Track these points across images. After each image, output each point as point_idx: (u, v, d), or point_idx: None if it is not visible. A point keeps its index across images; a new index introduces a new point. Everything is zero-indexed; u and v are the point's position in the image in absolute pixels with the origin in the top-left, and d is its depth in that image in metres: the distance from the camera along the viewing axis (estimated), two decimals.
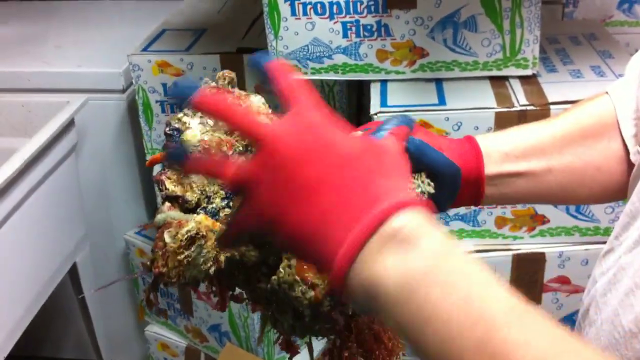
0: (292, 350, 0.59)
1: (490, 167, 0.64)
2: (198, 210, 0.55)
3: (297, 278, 0.51)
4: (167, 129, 0.57)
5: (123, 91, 1.59)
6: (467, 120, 1.13)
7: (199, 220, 0.52)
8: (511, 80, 1.19)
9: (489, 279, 0.44)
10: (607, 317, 0.58)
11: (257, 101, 0.58)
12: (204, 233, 0.51)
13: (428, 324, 0.42)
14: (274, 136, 0.46)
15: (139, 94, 1.44)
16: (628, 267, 0.56)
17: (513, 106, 1.12)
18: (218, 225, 0.52)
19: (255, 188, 0.47)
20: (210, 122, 0.56)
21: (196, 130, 0.55)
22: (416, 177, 0.60)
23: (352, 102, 1.52)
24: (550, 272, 1.20)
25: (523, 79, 1.19)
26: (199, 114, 0.57)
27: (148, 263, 0.53)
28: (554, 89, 1.15)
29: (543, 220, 1.19)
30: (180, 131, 0.56)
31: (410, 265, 0.43)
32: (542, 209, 1.18)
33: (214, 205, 0.55)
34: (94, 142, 1.63)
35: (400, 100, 1.16)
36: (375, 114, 1.13)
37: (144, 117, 1.46)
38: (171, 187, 0.55)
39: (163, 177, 0.56)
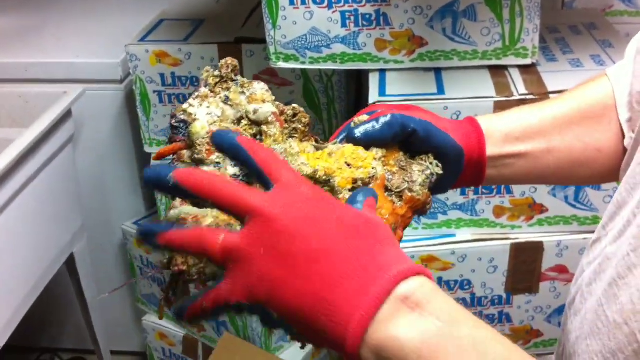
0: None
1: (492, 149, 0.65)
2: (209, 202, 0.54)
3: None
4: (173, 121, 0.56)
5: (121, 82, 1.58)
6: (466, 110, 1.12)
7: (216, 215, 0.50)
8: (510, 70, 1.19)
9: (497, 344, 0.44)
10: (592, 307, 0.58)
11: (260, 88, 0.57)
12: (222, 227, 0.50)
13: None
14: (265, 208, 0.46)
15: (136, 84, 1.43)
16: (612, 257, 0.57)
17: (512, 95, 1.12)
18: (234, 220, 0.51)
19: (245, 261, 0.46)
20: (218, 111, 0.55)
21: (204, 121, 0.54)
22: (424, 158, 0.60)
23: (350, 92, 1.52)
24: (548, 261, 1.21)
25: (522, 68, 1.18)
26: (206, 103, 0.56)
27: (164, 261, 0.52)
28: (554, 78, 1.15)
29: (541, 209, 1.19)
30: (186, 123, 0.55)
31: (424, 330, 0.43)
32: (540, 198, 1.18)
33: None
34: (91, 132, 1.63)
35: (399, 90, 1.16)
36: (374, 103, 1.13)
37: (141, 107, 1.45)
38: None
39: None
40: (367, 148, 0.58)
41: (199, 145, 0.53)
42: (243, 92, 0.57)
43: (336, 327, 0.44)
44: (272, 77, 1.39)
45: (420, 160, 0.60)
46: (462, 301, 1.25)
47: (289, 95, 1.41)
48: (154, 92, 1.43)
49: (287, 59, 1.20)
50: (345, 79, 1.43)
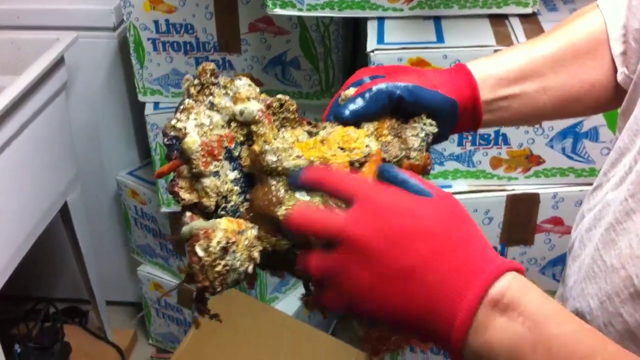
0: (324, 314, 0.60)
1: (485, 94, 0.64)
2: (219, 211, 0.55)
3: None
4: (166, 139, 0.56)
5: (114, 29, 1.56)
6: (465, 58, 1.09)
7: (225, 228, 0.51)
8: (511, 19, 1.17)
9: (585, 339, 0.46)
10: (590, 252, 0.58)
11: (242, 85, 0.57)
12: (233, 239, 0.51)
13: None
14: (354, 231, 0.47)
15: (130, 31, 1.41)
16: (612, 204, 0.56)
17: (512, 44, 1.10)
18: (243, 224, 0.52)
19: (341, 279, 0.48)
20: (206, 120, 0.55)
21: (194, 134, 0.54)
22: (417, 120, 0.60)
23: (348, 41, 1.50)
24: (544, 213, 1.21)
25: (523, 17, 1.17)
26: (192, 115, 0.56)
27: (185, 276, 0.53)
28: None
29: (538, 161, 1.18)
30: (179, 139, 0.55)
31: (513, 334, 0.45)
32: (537, 149, 1.17)
33: (232, 203, 0.55)
34: (84, 80, 1.61)
35: (398, 38, 1.14)
36: (372, 51, 1.11)
37: (135, 55, 1.43)
38: (186, 196, 0.55)
39: (176, 189, 0.55)
40: (357, 124, 0.58)
41: (195, 159, 0.54)
42: (227, 94, 0.57)
43: (439, 335, 0.47)
44: (268, 26, 1.36)
45: (413, 123, 0.60)
46: None
47: (285, 44, 1.39)
48: (148, 39, 1.40)
49: (283, 5, 1.18)
50: (343, 28, 1.41)
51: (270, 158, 0.53)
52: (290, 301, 1.65)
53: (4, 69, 1.48)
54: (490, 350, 0.45)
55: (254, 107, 0.55)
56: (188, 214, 0.54)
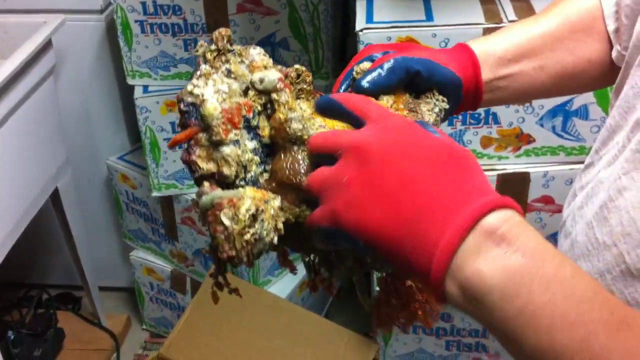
0: (331, 289, 0.59)
1: (486, 73, 0.64)
2: (237, 182, 0.53)
3: None
4: (182, 105, 0.53)
5: (101, 11, 1.54)
6: (454, 37, 1.10)
7: (252, 195, 0.50)
8: None
9: (583, 282, 0.43)
10: (582, 229, 0.58)
11: (257, 54, 0.56)
12: (262, 207, 0.49)
13: (529, 324, 0.41)
14: (357, 139, 0.47)
15: (117, 13, 1.39)
16: (605, 181, 0.56)
17: (502, 22, 1.09)
18: (267, 194, 0.51)
19: (336, 189, 0.47)
20: (224, 87, 0.53)
21: (214, 100, 0.53)
22: (429, 95, 0.59)
23: (337, 21, 1.49)
24: (534, 192, 1.20)
25: None
26: (210, 81, 0.54)
27: (208, 249, 0.51)
28: (543, 4, 1.12)
29: (529, 139, 1.18)
30: (196, 106, 0.53)
31: (511, 265, 0.42)
32: (528, 128, 1.17)
33: (252, 173, 0.53)
34: (72, 64, 1.60)
35: (387, 17, 1.13)
36: (361, 30, 1.10)
37: (123, 37, 1.42)
38: (204, 165, 0.53)
39: (193, 157, 0.53)
40: (375, 96, 0.57)
41: (216, 127, 0.52)
42: (242, 62, 0.55)
43: (421, 255, 0.43)
44: (256, 6, 1.35)
45: (426, 99, 0.59)
46: None
47: (274, 24, 1.38)
48: (136, 21, 1.39)
49: None
50: (332, 8, 1.40)
51: (297, 126, 0.52)
52: (283, 284, 1.65)
53: None
54: (481, 282, 0.42)
55: (274, 76, 0.54)
56: (206, 183, 0.52)
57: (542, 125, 1.16)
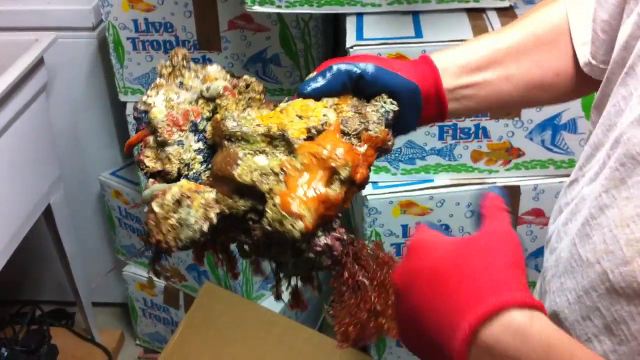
0: (302, 305, 0.61)
1: (448, 81, 0.65)
2: (181, 179, 0.56)
3: (284, 212, 0.52)
4: (135, 113, 0.59)
5: (93, 29, 1.55)
6: None
7: (181, 184, 0.54)
8: (488, 12, 1.17)
9: None
10: (566, 246, 0.59)
11: (213, 70, 0.60)
12: (188, 194, 0.53)
13: None
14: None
15: (109, 30, 1.40)
16: (587, 198, 0.57)
17: None
18: (202, 187, 0.54)
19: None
20: (174, 96, 0.58)
21: (161, 106, 0.58)
22: (378, 99, 0.61)
23: (328, 38, 1.50)
24: (525, 205, 1.21)
25: (500, 10, 1.17)
26: (162, 91, 0.59)
27: (145, 237, 0.55)
28: None
29: (518, 153, 1.19)
30: (147, 113, 0.58)
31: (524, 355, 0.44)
32: (517, 142, 1.18)
33: (194, 170, 0.57)
34: (64, 81, 1.60)
35: (377, 33, 1.14)
36: (351, 47, 1.12)
37: (115, 54, 1.42)
38: (151, 164, 0.57)
39: (141, 157, 0.58)
40: (318, 100, 0.59)
41: (160, 128, 0.57)
42: (197, 77, 0.60)
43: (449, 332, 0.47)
44: (247, 23, 1.36)
45: (374, 102, 0.61)
46: None
47: (266, 41, 1.39)
48: (128, 38, 1.40)
49: (262, 2, 1.18)
50: (322, 25, 1.41)
51: (230, 123, 0.55)
52: None
53: None
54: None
55: (219, 84, 0.58)
56: (151, 180, 0.57)
57: (531, 139, 1.17)
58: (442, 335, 0.47)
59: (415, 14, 1.19)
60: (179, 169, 0.56)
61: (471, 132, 1.18)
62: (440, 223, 1.24)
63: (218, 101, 0.57)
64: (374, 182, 1.23)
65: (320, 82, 0.59)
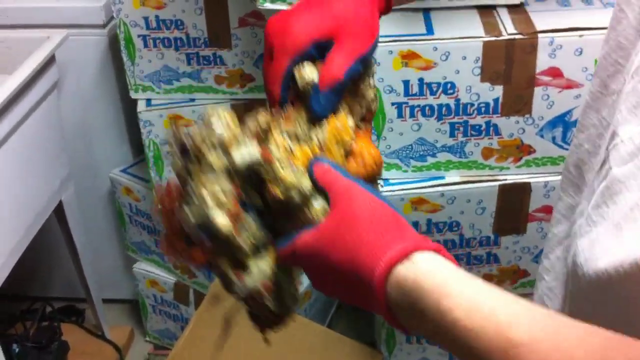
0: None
1: None
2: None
3: None
4: (191, 230, 0.54)
5: (104, 26, 1.55)
6: (455, 50, 1.12)
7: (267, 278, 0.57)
8: (499, 9, 1.18)
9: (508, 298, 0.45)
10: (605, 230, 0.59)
11: (220, 128, 0.54)
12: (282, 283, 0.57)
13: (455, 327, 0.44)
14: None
15: (120, 28, 1.41)
16: (625, 180, 0.57)
17: (501, 35, 1.11)
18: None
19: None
20: (215, 188, 0.53)
21: (221, 218, 0.53)
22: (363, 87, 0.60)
23: None
24: (535, 202, 1.22)
25: (511, 7, 1.18)
26: (204, 191, 0.53)
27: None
28: (542, 17, 1.14)
29: (529, 150, 1.19)
30: (203, 226, 0.53)
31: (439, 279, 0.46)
32: (528, 139, 1.18)
33: (260, 243, 0.57)
34: (75, 78, 1.61)
35: (388, 31, 1.15)
36: None
37: (126, 52, 1.43)
38: (230, 271, 0.57)
39: (223, 269, 0.56)
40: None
41: (237, 245, 0.55)
42: (214, 147, 0.54)
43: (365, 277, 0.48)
44: (258, 20, 1.37)
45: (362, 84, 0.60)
46: (451, 242, 1.26)
47: None
48: (139, 36, 1.40)
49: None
50: None
51: (294, 195, 0.54)
52: None
53: None
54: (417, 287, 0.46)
55: (250, 154, 0.54)
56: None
57: (542, 136, 1.17)
58: (359, 276, 0.48)
59: (426, 11, 1.19)
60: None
61: (482, 129, 1.18)
62: (450, 220, 1.24)
63: (261, 171, 0.54)
64: (385, 179, 1.24)
65: (335, 98, 0.58)
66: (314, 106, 0.58)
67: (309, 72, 0.57)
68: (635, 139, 0.56)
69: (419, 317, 0.46)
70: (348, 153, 0.57)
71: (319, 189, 0.54)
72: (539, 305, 0.67)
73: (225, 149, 0.53)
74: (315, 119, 0.57)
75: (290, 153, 0.55)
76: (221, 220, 0.52)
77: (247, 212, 0.55)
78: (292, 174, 0.54)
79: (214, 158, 0.53)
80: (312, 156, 0.55)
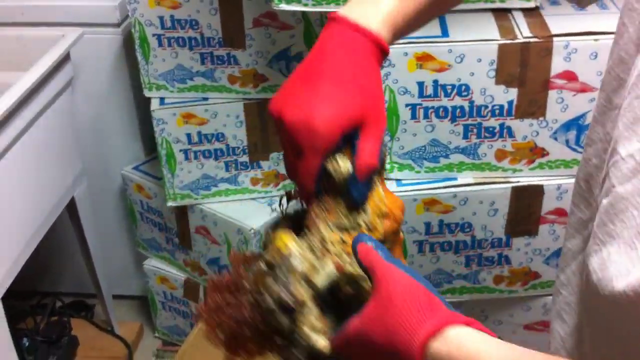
0: None
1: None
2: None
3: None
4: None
5: (118, 25, 1.56)
6: (470, 53, 1.12)
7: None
8: (514, 13, 1.18)
9: None
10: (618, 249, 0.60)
11: (296, 260, 0.58)
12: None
13: None
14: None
15: (135, 27, 1.41)
16: (630, 197, 0.59)
17: (516, 38, 1.12)
18: None
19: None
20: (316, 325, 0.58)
21: (320, 340, 0.58)
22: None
23: None
24: (548, 204, 1.22)
25: (526, 11, 1.18)
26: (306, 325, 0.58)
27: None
28: (557, 21, 1.15)
29: (542, 153, 1.20)
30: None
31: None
32: (542, 142, 1.19)
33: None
34: (90, 76, 1.62)
35: None
36: None
37: (140, 51, 1.44)
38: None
39: None
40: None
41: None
42: (289, 271, 0.57)
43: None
44: (272, 21, 1.37)
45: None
46: (463, 243, 1.27)
47: (290, 39, 1.40)
48: (153, 35, 1.41)
49: (289, 0, 1.19)
50: None
51: (365, 285, 0.57)
52: None
53: (10, 66, 1.48)
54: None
55: (329, 275, 0.57)
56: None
57: (556, 139, 1.18)
58: (400, 356, 0.50)
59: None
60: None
61: (496, 131, 1.19)
62: (463, 221, 1.25)
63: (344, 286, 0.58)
64: (398, 180, 1.25)
65: (368, 186, 0.60)
66: (355, 195, 0.59)
67: (343, 165, 0.58)
68: (637, 156, 0.57)
69: None
70: (383, 216, 0.59)
71: (363, 269, 0.56)
72: (557, 320, 0.69)
73: (307, 280, 0.57)
74: (355, 205, 0.59)
75: (343, 244, 0.58)
76: (322, 343, 0.57)
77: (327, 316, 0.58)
78: (354, 267, 0.57)
79: (306, 296, 0.57)
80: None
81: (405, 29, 0.63)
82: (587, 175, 0.67)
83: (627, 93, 0.56)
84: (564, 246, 0.73)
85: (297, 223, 0.62)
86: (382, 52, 0.60)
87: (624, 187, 0.58)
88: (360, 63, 0.58)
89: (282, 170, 1.52)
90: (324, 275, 0.57)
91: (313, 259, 0.57)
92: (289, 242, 0.57)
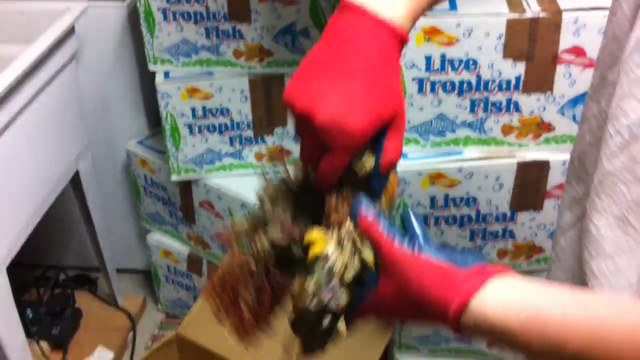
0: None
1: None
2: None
3: None
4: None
5: None
6: (478, 26, 1.12)
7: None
8: None
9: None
10: (608, 224, 0.61)
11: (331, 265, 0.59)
12: None
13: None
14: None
15: (140, 1, 1.40)
16: (618, 174, 0.60)
17: (525, 12, 1.12)
18: None
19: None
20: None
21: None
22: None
23: None
24: (553, 179, 1.23)
25: None
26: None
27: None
28: None
29: (549, 128, 1.20)
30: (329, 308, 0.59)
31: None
32: (548, 117, 1.19)
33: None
34: (94, 50, 1.61)
35: None
36: None
37: (145, 24, 1.43)
38: None
39: None
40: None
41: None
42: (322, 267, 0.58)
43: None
44: None
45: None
46: (467, 218, 1.28)
47: (296, 13, 1.39)
48: (158, 9, 1.40)
49: None
50: None
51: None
52: None
53: (15, 39, 1.48)
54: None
55: (355, 268, 0.58)
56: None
57: (562, 114, 1.18)
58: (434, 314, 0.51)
59: None
60: None
61: (502, 105, 1.19)
62: (468, 195, 1.26)
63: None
64: (404, 154, 1.25)
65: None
66: (376, 187, 0.59)
67: (368, 161, 0.58)
68: (624, 133, 0.57)
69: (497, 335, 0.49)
70: (389, 196, 0.61)
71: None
72: None
73: (341, 279, 0.58)
74: (374, 195, 0.60)
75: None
76: (342, 327, 0.59)
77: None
78: (371, 251, 0.57)
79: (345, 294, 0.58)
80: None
81: (420, 14, 0.62)
82: (581, 153, 0.68)
83: (620, 70, 0.57)
84: (557, 223, 0.73)
85: (299, 195, 0.62)
86: (403, 44, 0.59)
87: (612, 163, 0.58)
88: (389, 60, 0.56)
89: (286, 145, 1.52)
90: (352, 271, 0.58)
91: (345, 258, 0.58)
92: (325, 245, 0.58)
